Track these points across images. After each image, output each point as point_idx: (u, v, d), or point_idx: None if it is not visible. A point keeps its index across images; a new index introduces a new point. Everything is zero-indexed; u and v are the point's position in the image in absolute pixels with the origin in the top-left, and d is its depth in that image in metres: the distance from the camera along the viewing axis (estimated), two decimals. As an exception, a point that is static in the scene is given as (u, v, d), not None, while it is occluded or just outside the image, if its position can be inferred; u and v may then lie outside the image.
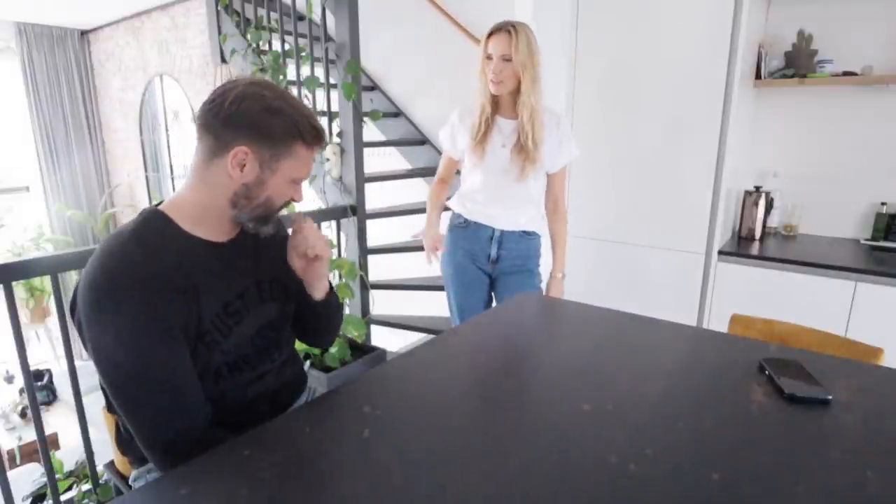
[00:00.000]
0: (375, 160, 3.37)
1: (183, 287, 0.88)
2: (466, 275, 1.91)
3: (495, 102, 1.75)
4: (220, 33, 3.24)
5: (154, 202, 0.97)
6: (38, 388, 4.89)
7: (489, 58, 1.66)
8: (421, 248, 2.80)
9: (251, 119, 0.88)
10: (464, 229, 1.88)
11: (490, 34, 1.65)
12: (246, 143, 0.89)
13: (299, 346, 1.26)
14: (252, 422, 0.87)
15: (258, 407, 1.01)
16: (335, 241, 2.57)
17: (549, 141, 1.74)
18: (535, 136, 1.69)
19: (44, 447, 1.64)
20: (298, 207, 2.21)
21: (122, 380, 0.85)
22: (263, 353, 1.03)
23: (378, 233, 2.90)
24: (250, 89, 0.89)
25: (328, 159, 2.59)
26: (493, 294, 1.96)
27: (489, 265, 1.87)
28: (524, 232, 1.84)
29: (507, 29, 1.62)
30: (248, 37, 3.03)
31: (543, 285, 1.94)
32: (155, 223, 0.92)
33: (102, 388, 0.94)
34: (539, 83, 1.67)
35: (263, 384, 1.02)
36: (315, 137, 0.94)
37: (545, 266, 1.94)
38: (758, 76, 2.30)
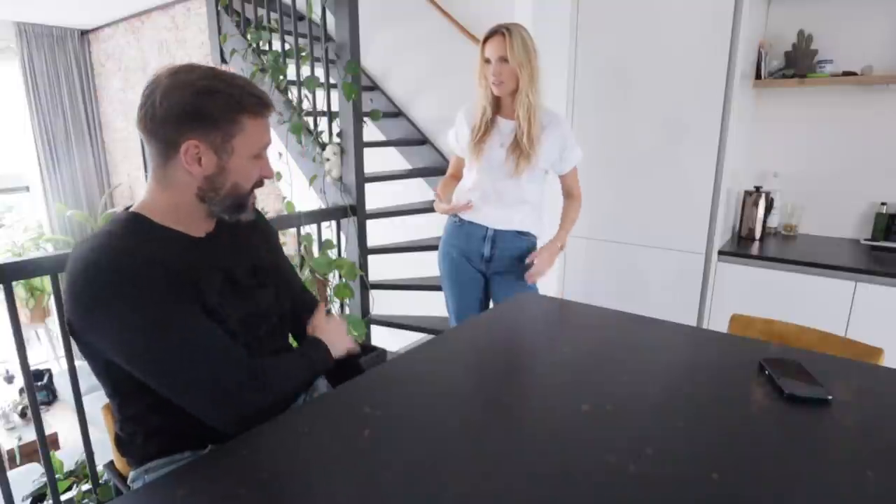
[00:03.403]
0: (375, 160, 3.36)
1: (178, 272, 0.87)
2: (461, 274, 1.91)
3: (497, 104, 1.77)
4: (220, 33, 3.24)
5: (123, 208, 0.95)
6: (38, 388, 4.89)
7: (487, 61, 1.69)
8: (420, 249, 2.81)
9: (187, 109, 0.85)
10: (458, 228, 1.89)
11: (486, 38, 1.69)
12: (192, 136, 0.86)
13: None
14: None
15: None
16: (335, 241, 2.57)
17: (548, 140, 1.75)
18: (531, 132, 1.71)
19: (44, 447, 1.64)
20: (298, 204, 2.19)
21: (162, 353, 0.83)
22: (253, 344, 1.00)
23: (378, 233, 2.90)
24: (175, 79, 0.86)
25: (328, 159, 2.59)
26: (488, 294, 1.96)
27: (483, 264, 1.88)
28: (518, 232, 1.84)
29: (501, 31, 1.66)
30: (248, 37, 3.03)
31: (539, 287, 1.94)
32: (133, 223, 0.90)
33: (108, 384, 0.93)
34: (537, 81, 1.69)
35: None
36: (258, 104, 0.90)
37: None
38: (758, 76, 2.30)
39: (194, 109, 0.85)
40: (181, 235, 0.94)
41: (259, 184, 0.98)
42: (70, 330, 0.87)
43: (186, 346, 0.85)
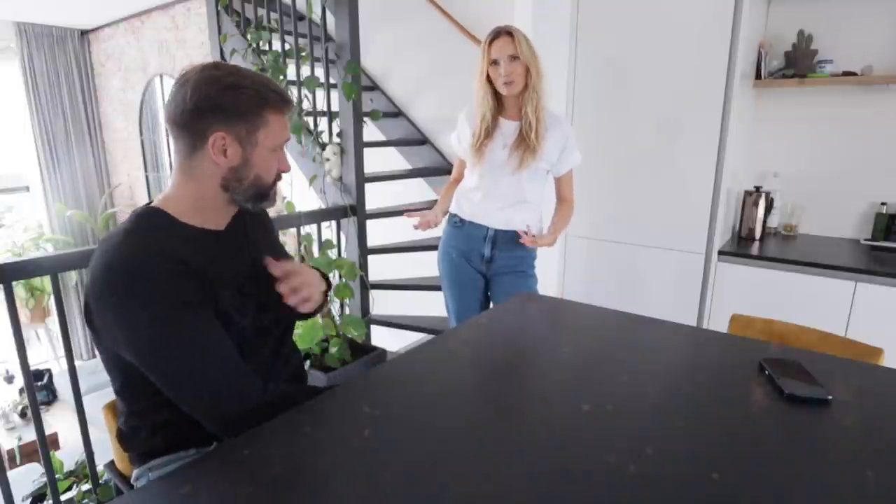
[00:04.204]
0: (375, 160, 3.37)
1: (195, 270, 0.89)
2: (461, 274, 1.91)
3: (499, 107, 1.77)
4: (220, 33, 3.24)
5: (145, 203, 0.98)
6: (38, 388, 4.89)
7: (495, 63, 1.69)
8: (420, 249, 2.82)
9: (215, 103, 0.89)
10: (459, 229, 1.89)
11: (490, 41, 1.69)
12: (220, 128, 0.90)
13: (300, 345, 1.26)
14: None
15: None
16: (335, 241, 2.57)
17: (552, 138, 1.76)
18: (538, 128, 1.72)
19: (44, 447, 1.64)
20: (298, 204, 2.19)
21: (167, 355, 0.85)
22: (259, 342, 1.03)
23: (378, 233, 2.90)
24: (203, 75, 0.90)
25: (328, 159, 2.59)
26: (488, 295, 1.96)
27: (483, 265, 1.88)
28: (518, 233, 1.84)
29: (506, 31, 1.67)
30: (248, 37, 3.03)
31: (539, 287, 1.94)
32: (152, 219, 0.93)
33: (118, 378, 0.94)
34: (542, 78, 1.71)
35: (265, 374, 1.02)
36: (280, 100, 0.94)
37: (541, 264, 1.93)
38: (758, 76, 2.30)
39: (222, 103, 0.89)
40: (201, 231, 0.96)
41: (278, 177, 1.01)
42: (87, 320, 0.90)
43: (193, 349, 0.86)
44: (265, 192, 0.99)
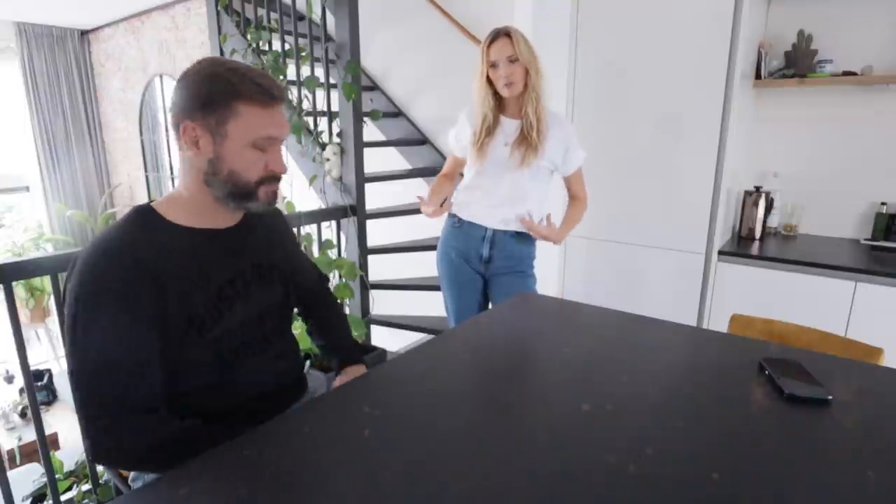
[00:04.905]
0: (375, 160, 3.37)
1: (165, 278, 0.87)
2: (460, 275, 1.91)
3: (500, 106, 1.77)
4: (220, 33, 3.24)
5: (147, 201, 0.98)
6: (38, 388, 4.89)
7: (494, 65, 1.68)
8: (420, 249, 2.82)
9: (188, 93, 0.88)
10: (457, 229, 1.89)
11: (489, 43, 1.68)
12: (189, 118, 0.88)
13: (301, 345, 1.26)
14: (244, 418, 0.88)
15: (250, 402, 1.00)
16: (335, 241, 2.57)
17: (553, 138, 1.76)
18: (539, 127, 1.72)
19: (44, 447, 1.64)
20: (298, 204, 2.18)
21: (72, 352, 0.86)
22: (254, 343, 1.01)
23: (378, 233, 2.90)
24: (192, 68, 0.90)
25: (328, 159, 2.59)
26: (487, 295, 1.96)
27: (482, 265, 1.88)
28: (517, 233, 1.84)
29: (504, 33, 1.67)
30: (248, 37, 3.03)
31: (539, 287, 1.94)
32: (141, 218, 0.92)
33: None
34: (542, 78, 1.71)
35: (256, 376, 1.01)
36: (258, 92, 0.88)
37: (541, 264, 1.93)
38: (758, 76, 2.30)
39: (195, 93, 0.88)
40: (190, 231, 0.94)
41: (270, 178, 0.95)
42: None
43: (97, 353, 0.84)
44: (245, 191, 0.93)
